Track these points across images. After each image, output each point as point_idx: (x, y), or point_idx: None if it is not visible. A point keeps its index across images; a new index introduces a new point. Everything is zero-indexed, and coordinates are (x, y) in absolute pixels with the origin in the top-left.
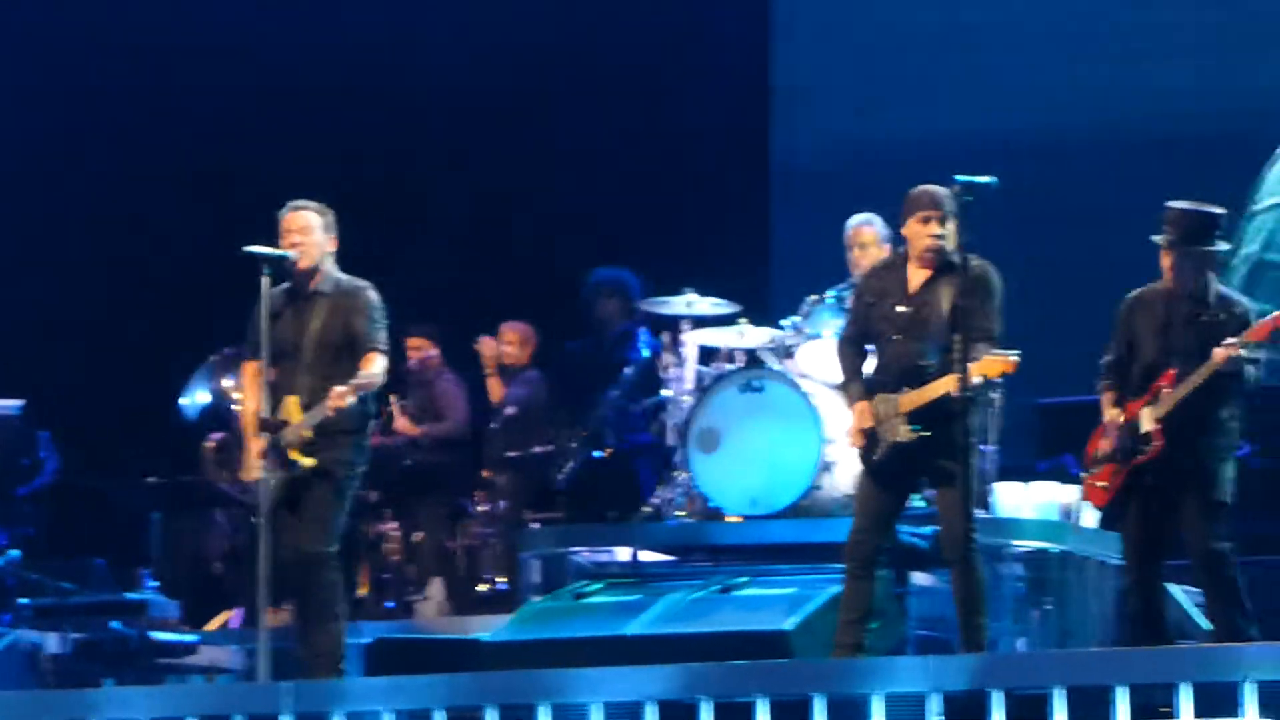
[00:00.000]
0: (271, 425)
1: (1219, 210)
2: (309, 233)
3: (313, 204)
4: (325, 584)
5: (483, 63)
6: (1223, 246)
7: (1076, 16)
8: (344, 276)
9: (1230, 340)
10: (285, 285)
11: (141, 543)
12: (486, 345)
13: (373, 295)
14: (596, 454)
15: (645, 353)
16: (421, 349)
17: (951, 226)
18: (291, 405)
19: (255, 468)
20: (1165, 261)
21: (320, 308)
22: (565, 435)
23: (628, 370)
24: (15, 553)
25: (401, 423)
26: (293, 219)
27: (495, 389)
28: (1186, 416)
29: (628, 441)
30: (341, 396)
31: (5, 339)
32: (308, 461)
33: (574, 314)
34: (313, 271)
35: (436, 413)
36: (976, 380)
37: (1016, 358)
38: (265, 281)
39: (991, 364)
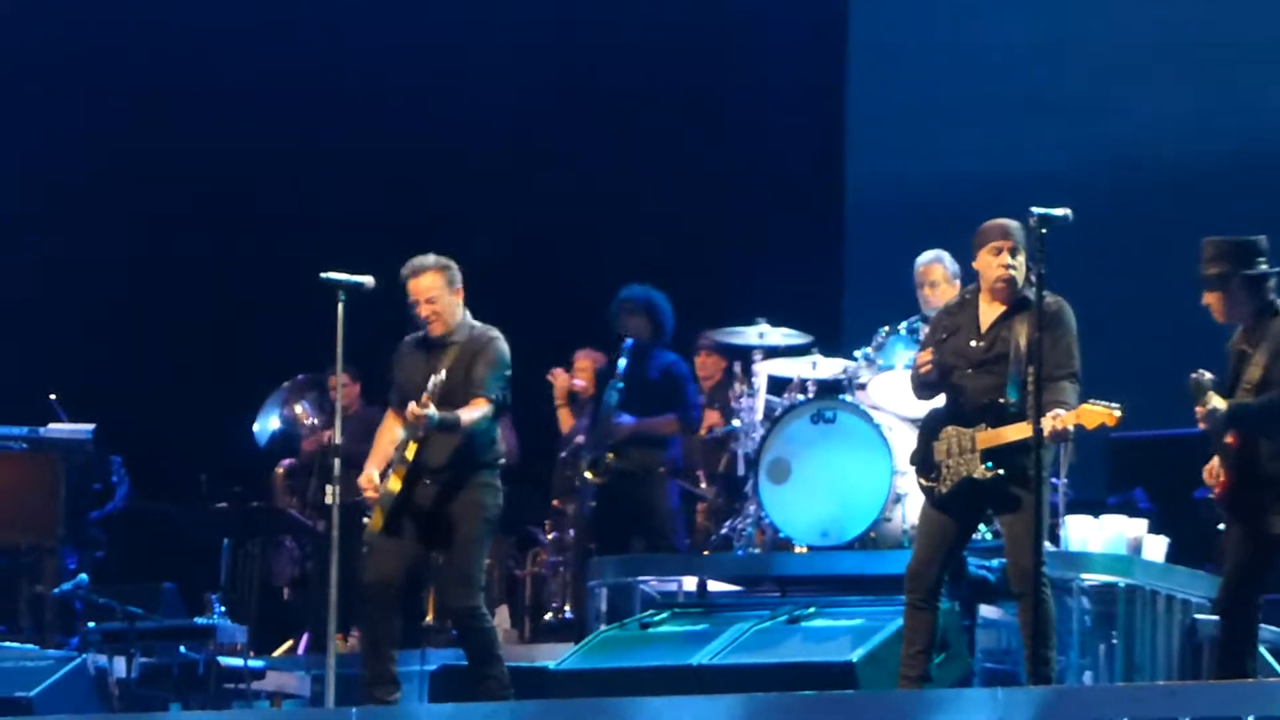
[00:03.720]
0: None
1: (1261, 237)
2: (439, 296)
3: (432, 259)
4: (482, 631)
5: (552, 95)
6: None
7: (1154, 48)
8: (478, 324)
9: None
10: (418, 335)
11: (211, 568)
12: (560, 377)
13: (502, 346)
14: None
15: (654, 375)
16: None
17: (1022, 259)
18: (411, 448)
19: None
20: (1215, 300)
21: (450, 354)
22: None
23: (617, 385)
24: (84, 577)
25: None
26: (420, 286)
27: (565, 419)
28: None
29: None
30: (420, 408)
31: (78, 363)
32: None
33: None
34: (450, 329)
35: None
36: (1070, 428)
37: (1119, 412)
38: (340, 308)
39: (1092, 414)
